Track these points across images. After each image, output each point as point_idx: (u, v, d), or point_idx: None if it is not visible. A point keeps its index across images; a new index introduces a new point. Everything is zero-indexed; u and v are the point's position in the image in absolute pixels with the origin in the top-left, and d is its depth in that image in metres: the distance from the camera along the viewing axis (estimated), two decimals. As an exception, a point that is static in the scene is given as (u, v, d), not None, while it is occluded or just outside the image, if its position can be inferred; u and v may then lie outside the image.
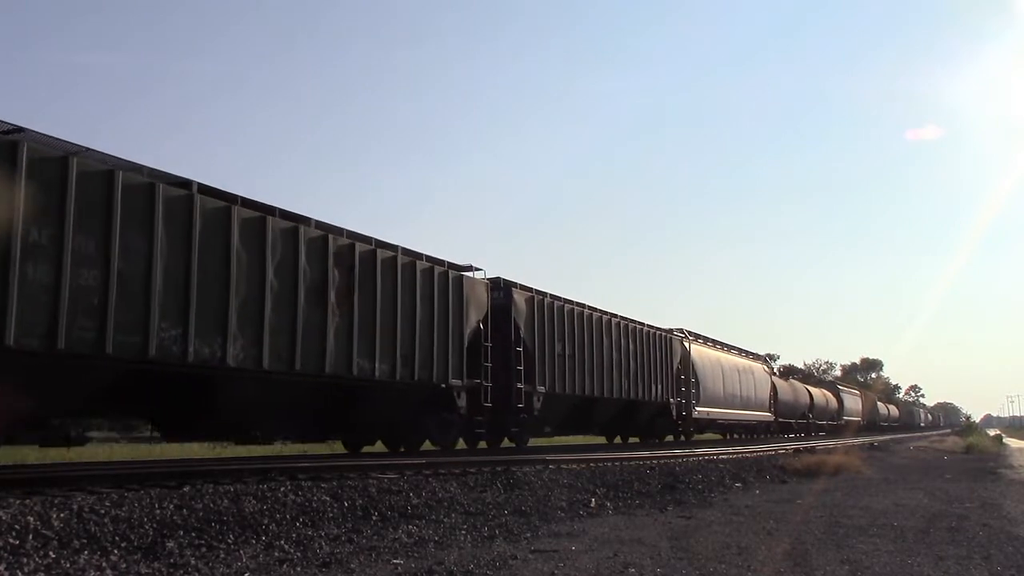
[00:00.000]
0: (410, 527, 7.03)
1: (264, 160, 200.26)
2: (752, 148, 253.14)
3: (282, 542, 6.09)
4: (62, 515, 5.73)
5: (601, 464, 12.52)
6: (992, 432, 66.62)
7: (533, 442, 20.58)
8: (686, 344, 27.53)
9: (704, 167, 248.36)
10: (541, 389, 18.02)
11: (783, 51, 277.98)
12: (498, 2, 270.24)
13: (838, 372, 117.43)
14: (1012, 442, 46.13)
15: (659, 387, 24.32)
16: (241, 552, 5.71)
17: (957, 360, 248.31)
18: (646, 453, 16.49)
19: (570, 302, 19.96)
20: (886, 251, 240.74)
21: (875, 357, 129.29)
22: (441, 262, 15.30)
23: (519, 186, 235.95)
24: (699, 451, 18.46)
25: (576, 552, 6.13)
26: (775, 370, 66.84)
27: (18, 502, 5.97)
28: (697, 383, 27.63)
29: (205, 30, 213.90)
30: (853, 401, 61.15)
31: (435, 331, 14.74)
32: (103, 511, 5.96)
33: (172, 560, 5.33)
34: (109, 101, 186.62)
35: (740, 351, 35.65)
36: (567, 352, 19.20)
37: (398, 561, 5.60)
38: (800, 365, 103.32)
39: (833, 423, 52.79)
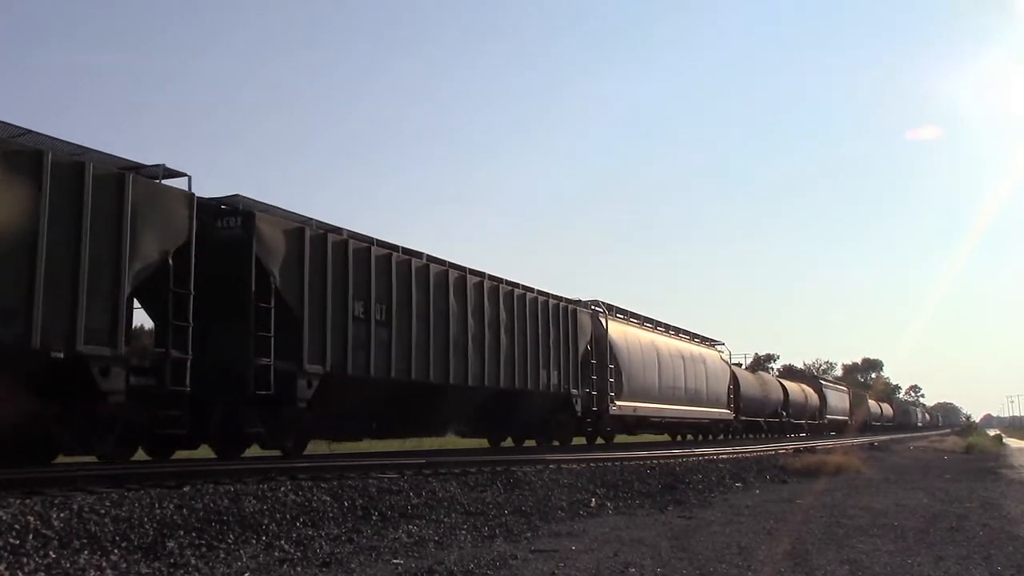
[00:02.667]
0: (410, 527, 7.03)
1: (269, 162, 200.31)
2: (751, 148, 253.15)
3: (282, 542, 6.10)
4: (62, 515, 5.73)
5: (601, 464, 12.53)
6: (992, 432, 66.54)
7: (333, 449, 15.09)
8: (602, 320, 21.64)
9: (702, 167, 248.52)
10: (315, 369, 12.00)
11: (782, 51, 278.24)
12: (501, 4, 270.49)
13: (839, 372, 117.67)
14: (1012, 442, 46.12)
15: (555, 374, 18.52)
16: (241, 552, 5.71)
17: (957, 360, 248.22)
18: (645, 453, 16.48)
19: (384, 245, 13.76)
20: (886, 251, 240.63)
21: (875, 357, 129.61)
22: (80, 149, 9.83)
23: (524, 186, 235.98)
24: (699, 451, 18.46)
25: (576, 552, 6.14)
26: (785, 370, 64.42)
27: (18, 502, 5.97)
28: (618, 371, 21.78)
29: (213, 31, 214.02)
30: (839, 398, 55.05)
31: (39, 261, 8.73)
32: (103, 511, 5.96)
33: (172, 560, 5.33)
34: (114, 102, 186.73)
35: (688, 335, 29.92)
36: (377, 317, 13.09)
37: (398, 561, 5.61)
38: (800, 365, 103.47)
39: (814, 423, 46.84)
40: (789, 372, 65.50)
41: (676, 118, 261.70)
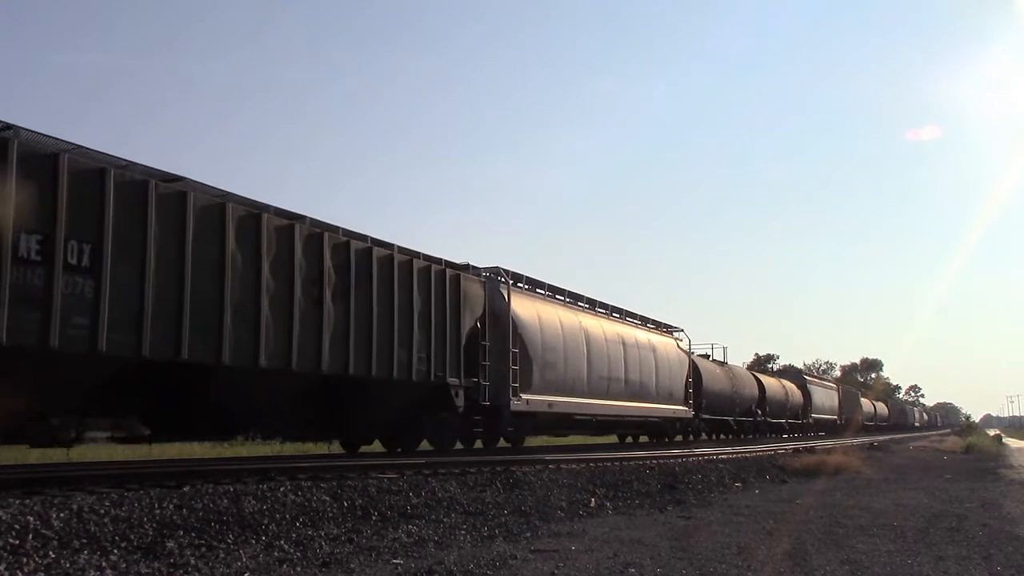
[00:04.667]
0: (410, 527, 7.04)
1: (284, 164, 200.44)
2: (750, 149, 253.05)
3: (282, 542, 6.10)
4: (62, 515, 5.74)
5: (601, 464, 12.53)
6: (992, 432, 66.53)
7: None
8: (503, 292, 16.96)
9: (703, 168, 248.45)
10: None
11: (782, 52, 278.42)
12: (514, 6, 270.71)
13: (838, 372, 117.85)
14: (1012, 442, 46.15)
15: (422, 357, 13.81)
16: (241, 552, 5.72)
17: (957, 360, 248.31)
18: (645, 453, 16.47)
19: (94, 155, 9.50)
20: (886, 251, 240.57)
21: (875, 357, 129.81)
22: None
23: (535, 187, 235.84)
24: (699, 451, 18.44)
25: (576, 552, 6.14)
26: (784, 370, 62.24)
27: (18, 502, 5.98)
28: (526, 356, 17.24)
29: (225, 34, 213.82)
30: (826, 396, 50.25)
31: None
32: (103, 511, 5.96)
33: (172, 560, 5.33)
34: (127, 105, 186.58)
35: (636, 318, 25.09)
36: (70, 260, 8.85)
37: (398, 561, 5.61)
38: (800, 365, 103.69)
39: (796, 422, 42.17)
40: (784, 371, 62.98)
41: (677, 120, 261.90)
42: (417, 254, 14.28)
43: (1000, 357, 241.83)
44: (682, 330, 28.18)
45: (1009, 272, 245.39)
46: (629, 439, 26.91)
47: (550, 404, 18.09)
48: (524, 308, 17.69)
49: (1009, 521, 8.43)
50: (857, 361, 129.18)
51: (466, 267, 16.07)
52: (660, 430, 26.17)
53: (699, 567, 5.62)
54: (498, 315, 16.68)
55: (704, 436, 30.01)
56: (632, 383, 22.50)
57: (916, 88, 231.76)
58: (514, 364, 16.66)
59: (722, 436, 32.13)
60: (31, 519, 5.54)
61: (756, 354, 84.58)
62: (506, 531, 7.09)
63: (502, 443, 18.42)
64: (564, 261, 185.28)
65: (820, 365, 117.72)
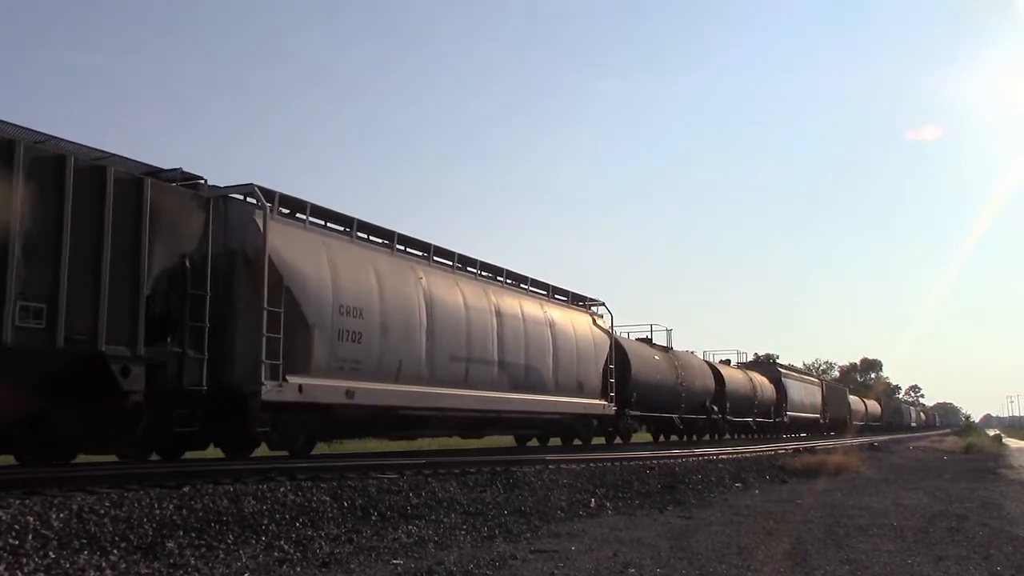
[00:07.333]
0: (410, 527, 7.04)
1: (317, 167, 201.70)
2: (751, 149, 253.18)
3: (282, 542, 6.10)
4: (62, 515, 5.73)
5: (601, 464, 12.52)
6: (992, 432, 66.57)
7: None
8: (257, 221, 11.22)
9: (702, 168, 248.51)
10: None
11: (784, 54, 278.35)
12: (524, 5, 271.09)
13: (837, 372, 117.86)
14: (1012, 442, 46.19)
15: (37, 308, 8.38)
16: (241, 552, 5.72)
17: (957, 360, 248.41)
18: (646, 453, 16.46)
19: None
20: (886, 251, 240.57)
21: (875, 357, 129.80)
22: None
23: (544, 188, 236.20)
24: (699, 451, 18.42)
25: (576, 552, 6.14)
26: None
27: (18, 502, 5.96)
28: (302, 320, 11.55)
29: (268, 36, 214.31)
30: (806, 392, 43.54)
31: None
32: (103, 511, 5.96)
33: (172, 560, 5.33)
34: (109, 100, 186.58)
35: (523, 282, 18.49)
36: None
37: (398, 561, 5.61)
38: (800, 365, 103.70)
39: (767, 421, 35.34)
40: (755, 363, 57.92)
41: (677, 121, 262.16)
42: (47, 138, 9.13)
43: (1000, 357, 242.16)
44: (603, 303, 21.97)
45: (1009, 272, 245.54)
46: (535, 441, 21.16)
47: (350, 392, 12.31)
48: (298, 248, 11.85)
49: (1009, 521, 8.43)
50: (857, 361, 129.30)
51: (172, 174, 10.44)
52: (567, 430, 20.34)
53: (699, 567, 5.62)
54: (247, 255, 11.17)
55: (651, 438, 25.80)
56: (512, 367, 16.63)
57: (916, 88, 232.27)
58: (272, 331, 10.98)
59: (673, 437, 26.93)
60: (31, 519, 5.53)
61: (756, 354, 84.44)
62: (506, 531, 7.09)
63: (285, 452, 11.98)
64: (565, 260, 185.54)
65: (820, 365, 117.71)
